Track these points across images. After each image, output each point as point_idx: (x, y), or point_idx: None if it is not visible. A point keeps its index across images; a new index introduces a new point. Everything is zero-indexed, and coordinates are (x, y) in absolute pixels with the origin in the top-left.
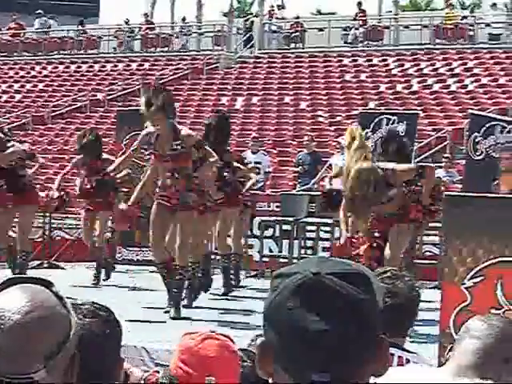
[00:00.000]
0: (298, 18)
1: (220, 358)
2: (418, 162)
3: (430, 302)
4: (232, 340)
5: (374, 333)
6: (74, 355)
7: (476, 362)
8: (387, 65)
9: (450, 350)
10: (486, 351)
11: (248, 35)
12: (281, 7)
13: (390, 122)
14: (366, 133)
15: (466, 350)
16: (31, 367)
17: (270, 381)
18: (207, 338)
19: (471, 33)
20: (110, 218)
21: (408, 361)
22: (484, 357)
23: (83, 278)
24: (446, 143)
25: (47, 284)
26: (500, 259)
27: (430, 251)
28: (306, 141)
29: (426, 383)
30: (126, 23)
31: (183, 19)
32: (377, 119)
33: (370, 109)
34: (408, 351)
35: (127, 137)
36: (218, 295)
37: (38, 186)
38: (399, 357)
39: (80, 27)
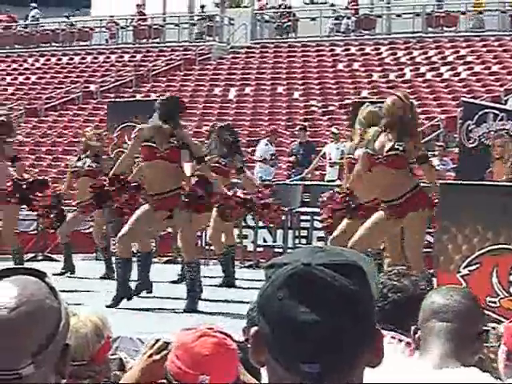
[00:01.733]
0: (290, 7)
1: (215, 356)
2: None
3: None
4: (231, 337)
5: (367, 324)
6: (65, 347)
7: (454, 346)
8: (380, 53)
9: (415, 331)
10: (460, 332)
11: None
12: None
13: None
14: None
15: (440, 335)
16: (18, 363)
17: (262, 370)
18: (203, 335)
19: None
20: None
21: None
22: (459, 338)
23: (78, 270)
24: (439, 131)
25: (41, 275)
26: (495, 247)
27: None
28: (297, 130)
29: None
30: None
31: (202, 7)
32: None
33: (364, 97)
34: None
35: (118, 128)
36: (215, 286)
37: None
38: (407, 343)
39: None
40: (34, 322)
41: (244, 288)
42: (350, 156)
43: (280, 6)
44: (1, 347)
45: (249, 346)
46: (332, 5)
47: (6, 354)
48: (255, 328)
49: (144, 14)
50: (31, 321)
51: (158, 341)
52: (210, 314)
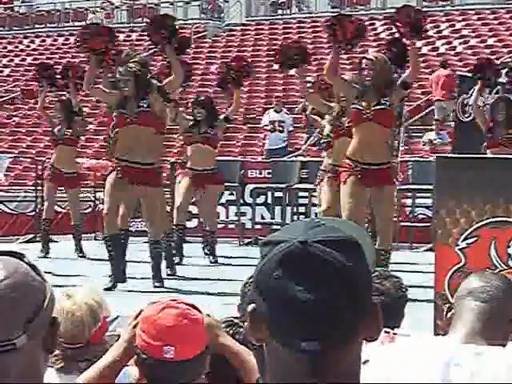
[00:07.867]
0: None
1: (178, 327)
2: (408, 125)
3: (424, 264)
4: (196, 308)
5: (365, 299)
6: (53, 321)
7: (484, 326)
8: (375, 28)
9: (449, 310)
10: (493, 314)
11: None
12: None
13: None
14: None
15: (472, 314)
16: (12, 333)
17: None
18: (166, 307)
19: None
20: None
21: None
22: (491, 319)
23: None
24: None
25: (19, 256)
26: (493, 219)
27: (422, 214)
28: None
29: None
30: None
31: None
32: None
33: None
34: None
35: None
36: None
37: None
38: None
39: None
40: (21, 294)
41: (243, 265)
42: None
43: None
44: None
45: (246, 322)
46: None
47: None
48: (252, 305)
49: None
50: (19, 292)
51: (142, 311)
52: (207, 293)
